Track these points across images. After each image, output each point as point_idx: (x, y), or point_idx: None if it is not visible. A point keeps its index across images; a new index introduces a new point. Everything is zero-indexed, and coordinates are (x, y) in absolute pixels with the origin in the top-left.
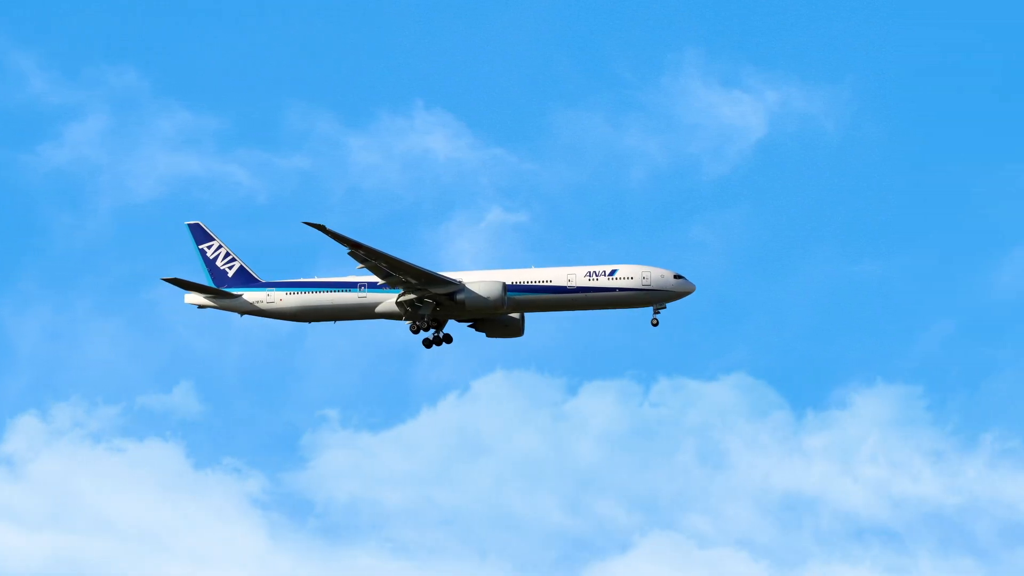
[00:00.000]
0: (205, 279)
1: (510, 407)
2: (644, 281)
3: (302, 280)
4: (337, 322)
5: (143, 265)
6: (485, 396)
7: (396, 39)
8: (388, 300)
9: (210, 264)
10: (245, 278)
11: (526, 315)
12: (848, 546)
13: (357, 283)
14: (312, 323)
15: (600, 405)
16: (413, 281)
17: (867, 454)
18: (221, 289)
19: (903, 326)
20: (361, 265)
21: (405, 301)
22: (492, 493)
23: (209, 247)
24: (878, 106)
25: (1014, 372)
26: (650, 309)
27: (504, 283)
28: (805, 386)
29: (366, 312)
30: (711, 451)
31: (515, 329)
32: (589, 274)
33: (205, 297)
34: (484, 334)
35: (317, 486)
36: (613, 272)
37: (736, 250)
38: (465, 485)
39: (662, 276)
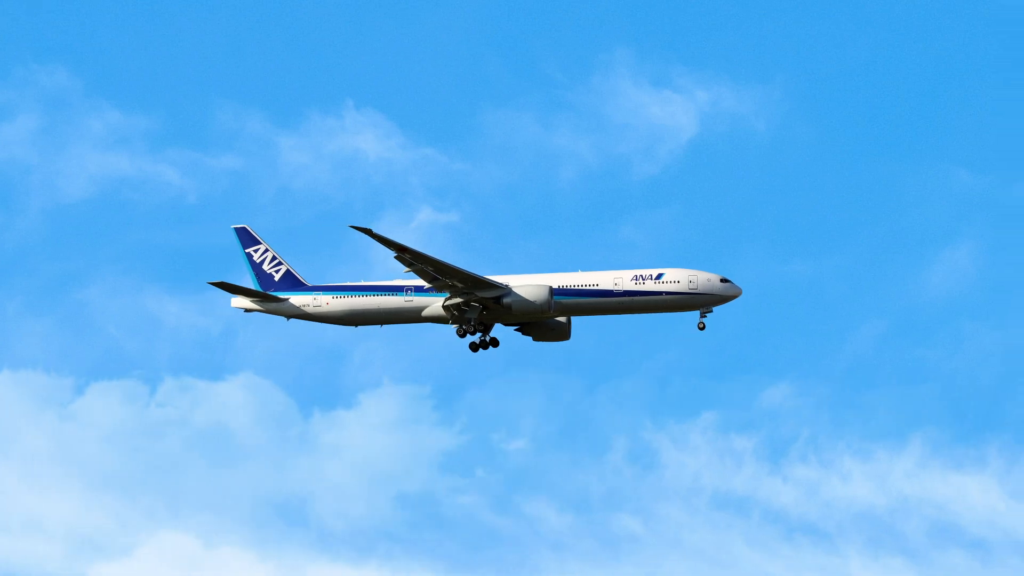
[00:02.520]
0: (252, 283)
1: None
2: (691, 285)
3: (349, 284)
4: (383, 326)
5: (74, 265)
6: None
7: (327, 39)
8: (435, 304)
9: (256, 268)
10: (292, 282)
11: (572, 319)
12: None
13: (404, 287)
14: (359, 327)
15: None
16: (460, 285)
17: (797, 454)
18: (268, 293)
19: (833, 326)
20: (408, 269)
21: (452, 305)
22: None
23: (256, 251)
24: (809, 106)
25: (944, 372)
26: (696, 313)
27: (551, 287)
28: (735, 387)
29: (413, 316)
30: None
31: (562, 333)
32: (635, 278)
33: (251, 301)
34: (531, 338)
35: None
36: (660, 276)
37: (667, 250)
38: None
39: (708, 280)
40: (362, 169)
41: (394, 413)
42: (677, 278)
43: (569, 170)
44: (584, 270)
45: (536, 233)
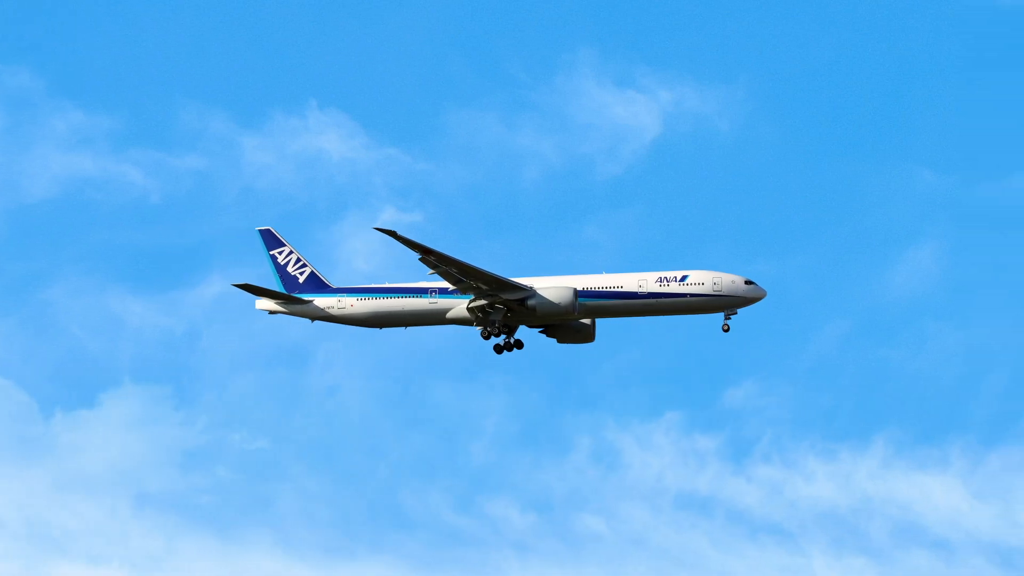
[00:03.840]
0: (276, 285)
1: None
2: (715, 287)
3: (373, 286)
4: (408, 327)
5: (37, 265)
6: None
7: (290, 39)
8: (459, 306)
9: (281, 270)
10: (316, 284)
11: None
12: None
13: (428, 289)
14: (383, 328)
15: None
16: (484, 287)
17: (760, 454)
18: (292, 295)
19: (797, 326)
20: (432, 271)
21: (476, 307)
22: None
23: (280, 253)
24: (772, 106)
25: (908, 372)
26: (721, 315)
27: (575, 289)
28: (697, 387)
29: (437, 318)
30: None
31: (586, 335)
32: (660, 280)
33: (276, 303)
34: (555, 340)
35: None
36: (684, 278)
37: (630, 250)
38: None
39: (733, 282)
40: (325, 169)
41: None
42: (701, 280)
43: (533, 170)
44: (608, 272)
45: (500, 233)
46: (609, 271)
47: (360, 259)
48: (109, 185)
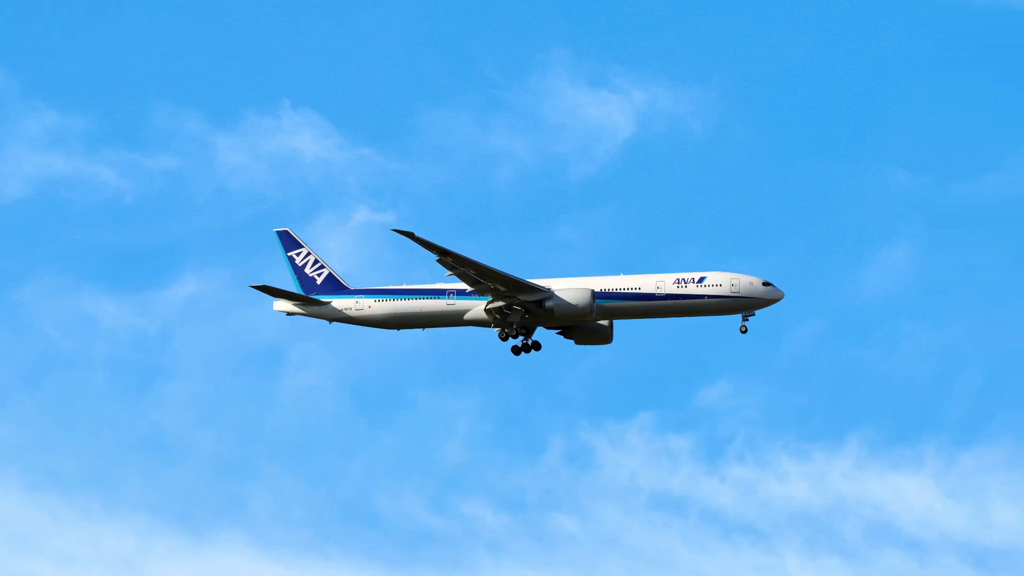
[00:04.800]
0: (294, 286)
1: None
2: (733, 288)
3: (391, 287)
4: (425, 329)
5: (11, 265)
6: None
7: (263, 39)
8: (477, 307)
9: (298, 271)
10: (334, 285)
11: (614, 322)
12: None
13: (446, 290)
14: (401, 330)
15: None
16: (502, 288)
17: (734, 454)
18: (310, 296)
19: (770, 325)
20: (450, 272)
21: (494, 308)
22: None
23: (298, 254)
24: (745, 106)
25: (881, 372)
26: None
27: (593, 290)
28: (674, 387)
29: (455, 319)
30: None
31: (603, 336)
32: (678, 281)
33: (294, 304)
34: (573, 341)
35: None
36: (702, 279)
37: (604, 250)
38: None
39: (751, 283)
40: (299, 169)
41: None
42: (719, 281)
43: (506, 170)
44: (625, 273)
45: (473, 233)
46: (585, 273)
47: (334, 259)
48: (82, 185)
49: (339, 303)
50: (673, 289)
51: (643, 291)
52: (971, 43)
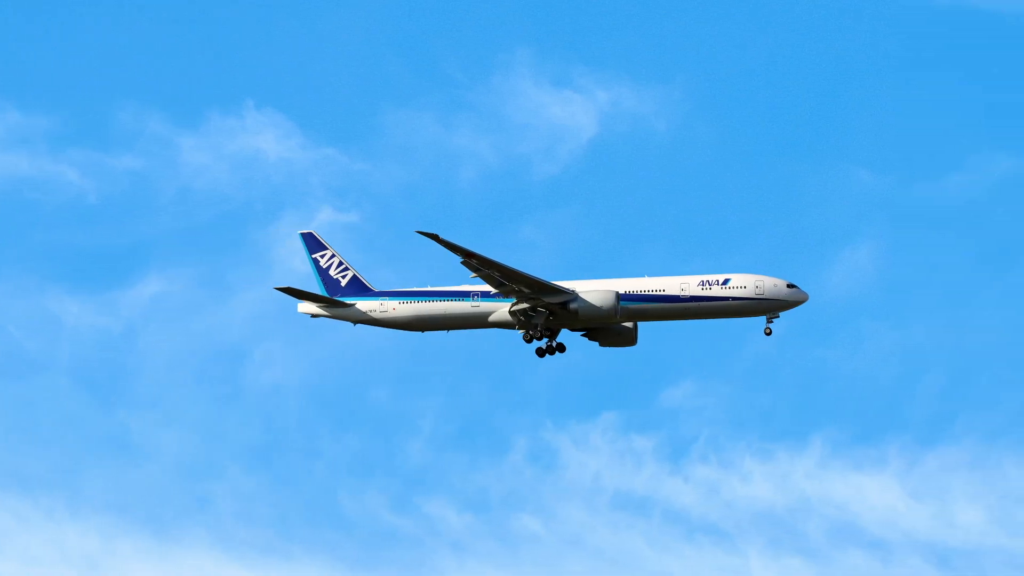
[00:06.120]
0: (318, 288)
1: None
2: (757, 290)
3: (415, 289)
4: (450, 331)
5: None
6: None
7: (227, 39)
8: (501, 309)
9: (323, 273)
10: (358, 287)
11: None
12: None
13: (470, 292)
14: (425, 332)
15: None
16: (526, 290)
17: (697, 454)
18: (334, 298)
19: (732, 326)
20: (474, 274)
21: (518, 310)
22: None
23: (322, 256)
24: (709, 106)
25: (844, 372)
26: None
27: (617, 292)
28: (633, 388)
29: (479, 321)
30: None
31: (628, 338)
32: (702, 283)
33: (318, 306)
34: (597, 343)
35: None
36: (726, 281)
37: (567, 250)
38: None
39: (775, 285)
40: (262, 169)
41: None
42: (743, 283)
43: (470, 170)
44: (650, 275)
45: (437, 232)
46: (553, 275)
47: (298, 259)
48: (46, 185)
49: (363, 305)
50: (697, 291)
51: (667, 293)
52: (934, 43)
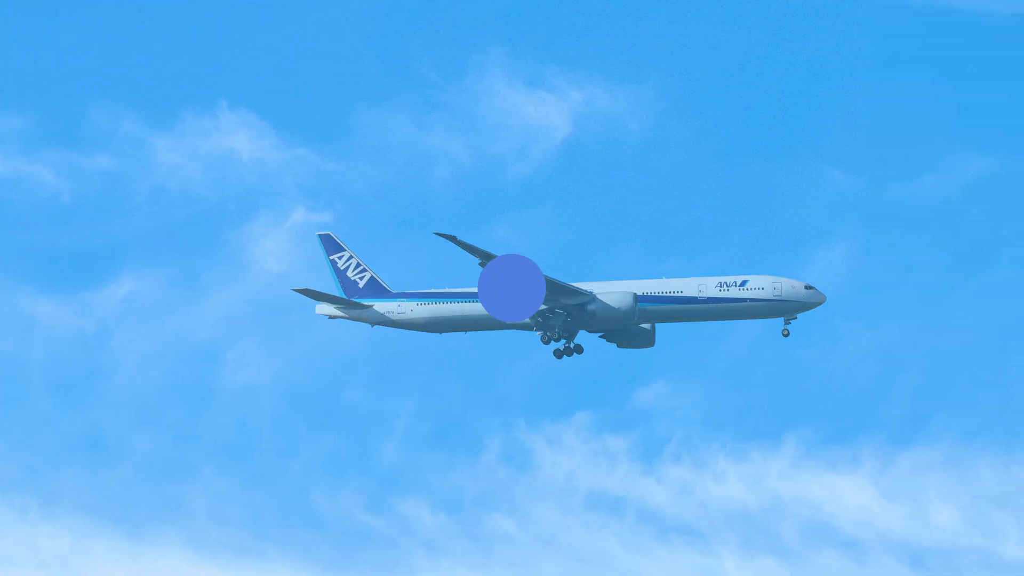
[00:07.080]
0: (336, 290)
1: None
2: (775, 292)
3: (433, 291)
4: (468, 332)
5: None
6: None
7: (200, 38)
8: None
9: (341, 275)
10: (376, 289)
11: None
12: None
13: None
14: (443, 333)
15: None
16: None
17: (671, 454)
18: (352, 300)
19: (707, 326)
20: None
21: (536, 312)
22: None
23: (340, 258)
24: (682, 106)
25: (818, 372)
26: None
27: (635, 294)
28: (607, 388)
29: (497, 323)
30: None
31: (646, 339)
32: (720, 285)
33: (336, 308)
34: (615, 345)
35: None
36: (744, 283)
37: (541, 250)
38: None
39: (793, 287)
40: (236, 169)
41: None
42: (761, 285)
43: (443, 170)
44: (668, 277)
45: (410, 233)
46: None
47: (271, 259)
48: (20, 185)
49: (381, 306)
50: (715, 292)
51: (685, 294)
52: (908, 43)
